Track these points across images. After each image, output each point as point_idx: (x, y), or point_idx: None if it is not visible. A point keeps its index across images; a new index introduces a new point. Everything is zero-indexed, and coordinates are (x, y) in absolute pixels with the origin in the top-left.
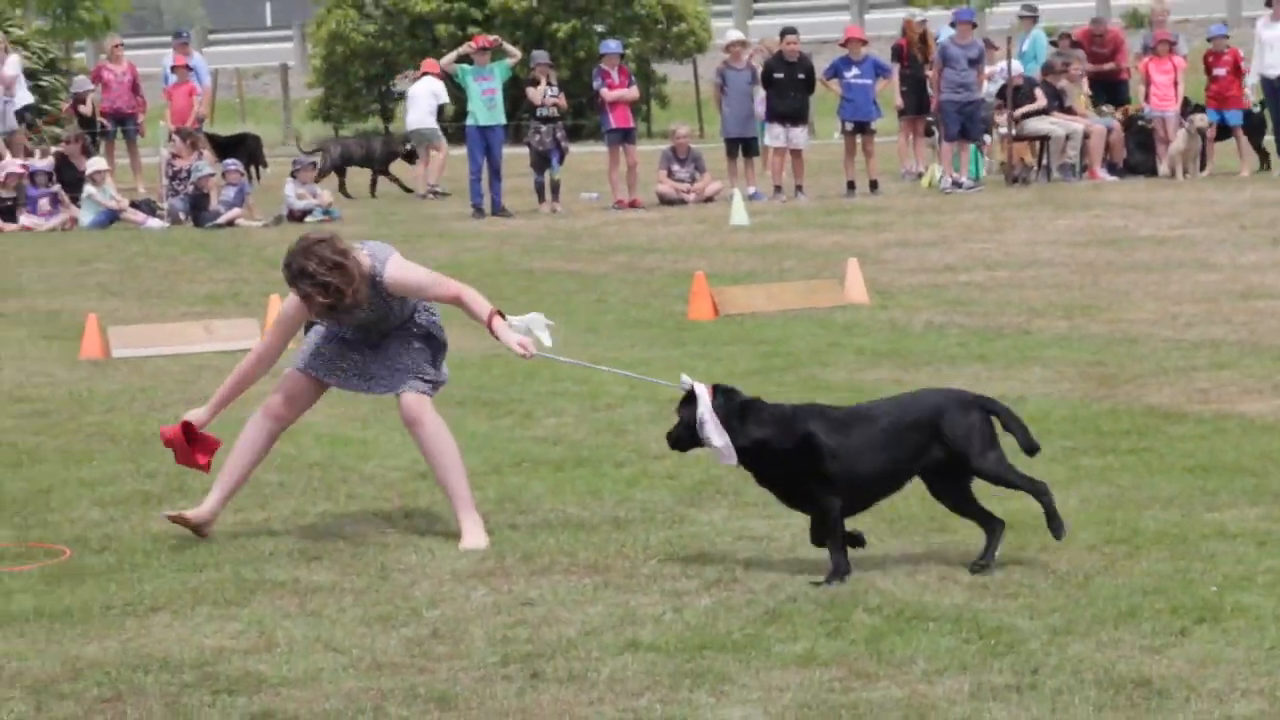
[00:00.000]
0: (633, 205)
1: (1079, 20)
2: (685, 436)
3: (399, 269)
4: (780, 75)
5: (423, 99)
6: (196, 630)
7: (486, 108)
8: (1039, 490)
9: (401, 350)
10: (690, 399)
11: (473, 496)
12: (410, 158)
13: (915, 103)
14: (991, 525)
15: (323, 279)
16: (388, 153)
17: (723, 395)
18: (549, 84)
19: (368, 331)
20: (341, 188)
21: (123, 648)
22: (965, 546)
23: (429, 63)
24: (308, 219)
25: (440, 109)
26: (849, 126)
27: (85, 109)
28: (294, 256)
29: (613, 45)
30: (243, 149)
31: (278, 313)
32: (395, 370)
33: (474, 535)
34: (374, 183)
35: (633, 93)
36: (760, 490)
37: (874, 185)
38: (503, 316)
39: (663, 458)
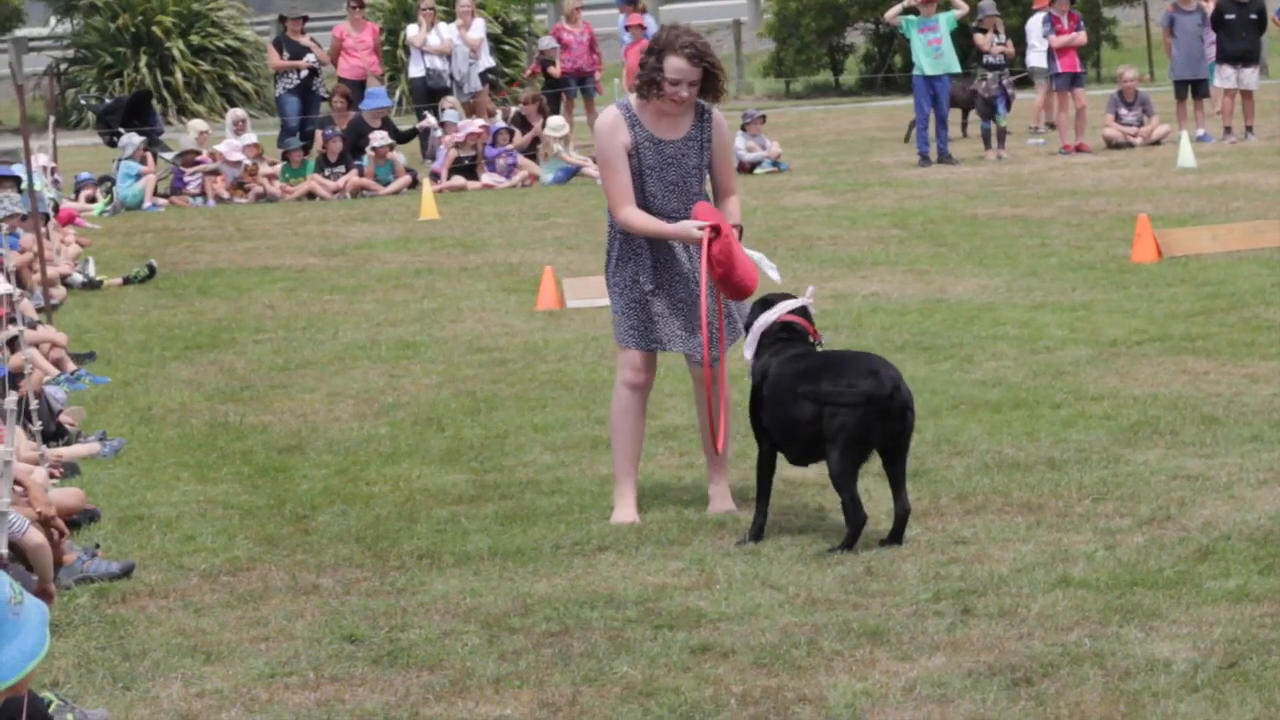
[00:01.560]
0: (1079, 150)
1: None
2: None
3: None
4: (1231, 16)
5: (1034, 32)
6: (640, 568)
7: (931, 57)
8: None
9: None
10: (769, 305)
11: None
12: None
13: None
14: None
15: (700, 47)
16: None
17: (783, 327)
18: (996, 32)
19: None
20: (963, 128)
21: (570, 585)
22: None
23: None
24: (756, 170)
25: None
26: None
27: (554, 70)
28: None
29: None
30: None
31: (602, 159)
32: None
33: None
34: (964, 124)
35: (1081, 37)
36: (1198, 429)
37: None
38: (741, 234)
39: (1100, 399)
